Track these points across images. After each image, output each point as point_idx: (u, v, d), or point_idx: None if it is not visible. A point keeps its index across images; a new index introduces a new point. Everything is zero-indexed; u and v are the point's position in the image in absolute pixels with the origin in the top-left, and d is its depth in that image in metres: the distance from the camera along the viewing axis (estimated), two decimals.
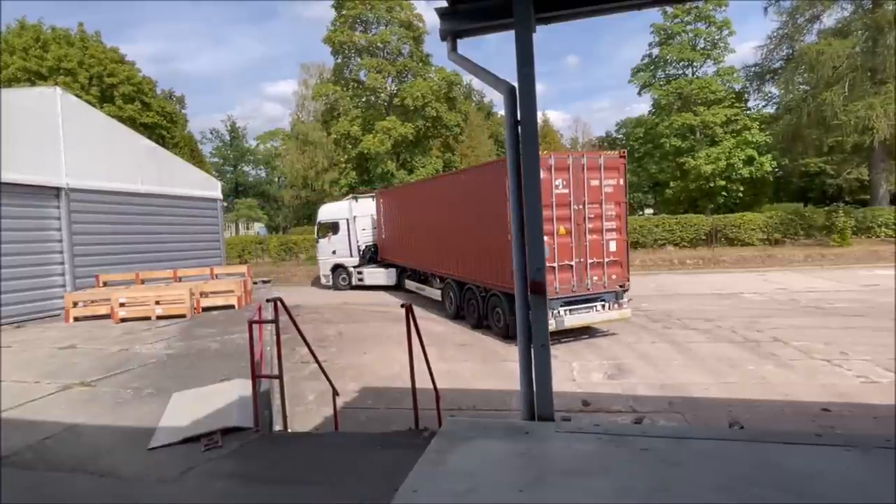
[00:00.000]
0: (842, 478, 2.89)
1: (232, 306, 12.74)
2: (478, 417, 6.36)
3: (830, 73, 25.31)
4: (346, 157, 33.54)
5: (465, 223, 11.76)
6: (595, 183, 10.05)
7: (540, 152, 8.06)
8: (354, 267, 19.61)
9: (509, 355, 9.33)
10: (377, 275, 18.91)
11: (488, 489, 2.95)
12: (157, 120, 32.99)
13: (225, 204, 22.36)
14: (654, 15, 34.33)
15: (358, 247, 19.63)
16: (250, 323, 5.09)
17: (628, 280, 10.55)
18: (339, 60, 33.83)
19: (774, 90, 32.29)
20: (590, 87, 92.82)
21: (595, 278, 10.11)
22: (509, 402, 7.06)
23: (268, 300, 5.34)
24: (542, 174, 8.60)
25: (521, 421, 4.07)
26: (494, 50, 65.54)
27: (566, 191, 9.80)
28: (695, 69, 33.60)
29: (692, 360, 8.91)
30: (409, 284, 16.94)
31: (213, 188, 18.69)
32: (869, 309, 12.37)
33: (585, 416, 6.61)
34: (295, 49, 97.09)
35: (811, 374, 7.97)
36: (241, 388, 5.84)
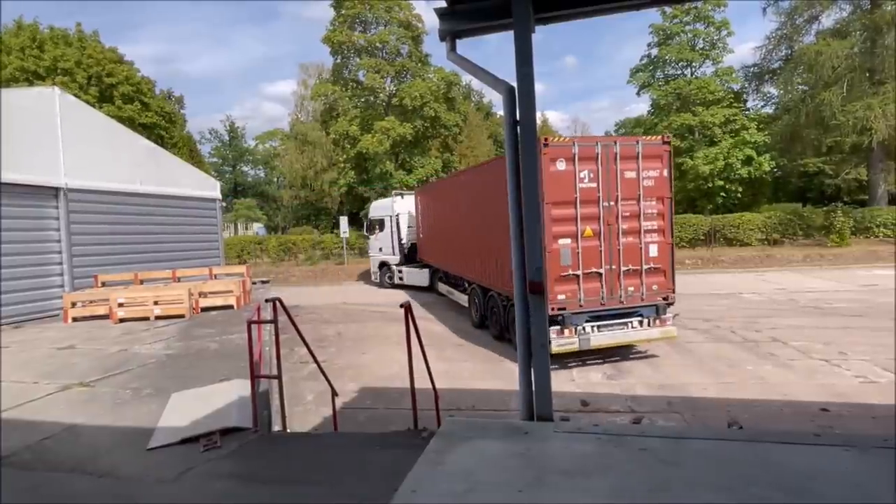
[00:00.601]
0: (841, 477, 2.90)
1: (231, 306, 12.73)
2: (477, 417, 6.36)
3: (829, 74, 25.34)
4: (344, 157, 33.52)
5: (489, 222, 10.09)
6: (631, 175, 8.39)
7: (562, 138, 7.98)
8: (396, 265, 19.29)
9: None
10: (414, 274, 18.44)
11: (487, 489, 2.95)
12: (156, 120, 32.98)
13: (224, 204, 22.36)
14: (653, 15, 34.36)
15: (402, 245, 19.14)
16: (249, 323, 5.09)
17: (673, 291, 8.69)
18: (338, 60, 33.83)
19: (773, 90, 32.39)
20: (589, 87, 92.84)
21: (630, 289, 8.49)
22: (508, 401, 7.06)
23: (266, 300, 5.34)
24: (563, 165, 8.06)
25: (519, 421, 4.07)
26: (494, 50, 65.49)
27: (594, 185, 8.25)
28: (694, 69, 33.64)
29: (691, 359, 8.92)
30: (441, 287, 16.17)
31: (211, 188, 18.67)
32: (868, 309, 12.39)
33: (584, 416, 6.62)
34: (295, 49, 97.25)
35: (810, 374, 7.98)
36: (239, 388, 5.84)
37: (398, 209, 19.18)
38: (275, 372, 5.32)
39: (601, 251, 8.37)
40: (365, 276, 22.85)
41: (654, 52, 34.29)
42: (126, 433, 5.07)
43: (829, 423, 6.11)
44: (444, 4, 4.17)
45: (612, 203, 8.37)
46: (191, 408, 5.41)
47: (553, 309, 7.99)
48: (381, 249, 19.90)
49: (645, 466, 3.12)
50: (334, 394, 6.20)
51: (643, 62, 35.25)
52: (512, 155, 4.03)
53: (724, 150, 30.24)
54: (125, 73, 31.54)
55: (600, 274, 8.39)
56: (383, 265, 19.92)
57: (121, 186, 14.68)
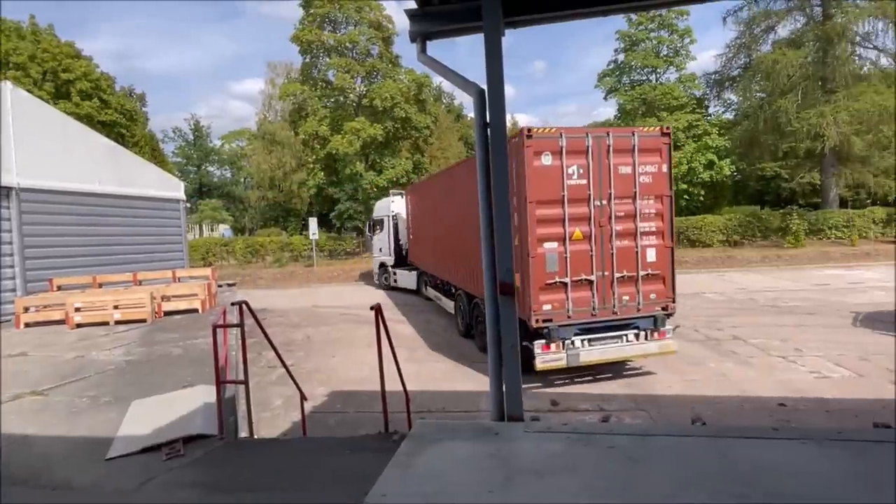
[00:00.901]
0: (797, 470, 3.01)
1: (196, 310, 12.39)
2: (447, 419, 6.36)
3: (785, 82, 26.41)
4: (314, 157, 33.07)
5: (475, 223, 8.48)
6: (626, 171, 7.55)
7: (547, 129, 7.21)
8: (392, 266, 19.11)
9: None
10: (405, 277, 18.15)
11: (458, 491, 2.95)
12: (116, 118, 31.83)
13: (188, 205, 21.73)
14: (619, 22, 35.14)
15: (398, 245, 18.88)
16: (214, 327, 4.95)
17: (673, 301, 7.78)
18: (307, 60, 33.36)
19: (733, 97, 33.51)
20: (557, 91, 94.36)
21: (625, 298, 7.59)
22: (479, 402, 7.09)
23: (233, 304, 5.21)
24: (548, 159, 7.20)
25: (490, 422, 4.08)
26: (466, 52, 66.00)
27: (584, 181, 7.39)
28: (658, 75, 34.55)
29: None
30: (429, 292, 15.45)
31: (175, 189, 18.14)
32: (820, 307, 12.96)
33: (554, 415, 6.69)
34: (263, 47, 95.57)
35: (768, 370, 8.29)
36: (204, 394, 5.68)
37: (395, 209, 18.87)
38: (241, 377, 5.19)
39: (592, 256, 7.46)
40: (366, 277, 23.22)
41: (621, 57, 35.09)
42: (82, 443, 4.86)
43: (786, 417, 6.35)
44: (414, 6, 4.17)
45: (604, 202, 7.50)
46: (152, 415, 5.23)
47: (537, 321, 7.19)
48: (380, 250, 19.87)
49: (613, 464, 3.17)
50: (303, 398, 6.09)
51: (610, 67, 36.01)
52: (482, 156, 4.05)
53: (688, 155, 31.16)
54: (83, 69, 30.33)
55: (591, 281, 7.46)
56: (382, 266, 19.88)
57: (78, 186, 14.10)
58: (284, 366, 6.02)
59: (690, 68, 34.24)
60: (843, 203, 30.83)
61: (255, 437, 5.66)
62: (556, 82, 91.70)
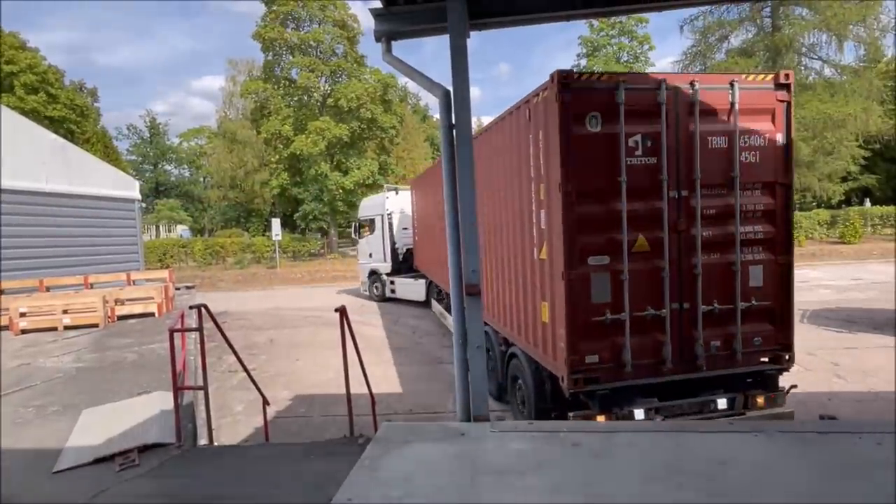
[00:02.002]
0: (750, 461, 3.14)
1: (152, 314, 11.94)
2: (414, 421, 6.34)
3: None
4: (277, 157, 32.44)
5: (512, 216, 6.00)
6: (721, 143, 4.80)
7: (595, 74, 4.59)
8: (388, 274, 16.20)
9: None
10: (408, 286, 15.24)
11: (424, 493, 2.94)
12: (66, 114, 30.43)
13: (143, 205, 20.92)
14: (583, 28, 35.99)
15: (395, 250, 15.96)
16: (171, 331, 4.79)
17: (790, 348, 4.99)
18: (269, 57, 32.71)
19: None
20: (522, 94, 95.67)
21: (716, 344, 4.86)
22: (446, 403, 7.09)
23: (191, 307, 5.04)
24: (597, 124, 4.54)
25: (456, 423, 4.09)
26: (433, 54, 66.15)
27: (653, 160, 4.64)
28: None
29: None
30: (435, 307, 13.14)
31: (129, 188, 17.43)
32: None
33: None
34: (226, 44, 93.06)
35: None
36: (161, 401, 5.48)
37: (390, 207, 15.94)
38: (200, 382, 5.03)
39: (665, 278, 4.71)
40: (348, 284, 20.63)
41: (583, 62, 35.92)
42: (29, 456, 4.60)
43: None
44: (379, 5, 4.14)
45: (685, 193, 4.76)
46: (105, 425, 5.00)
47: (577, 381, 4.53)
48: (370, 255, 16.79)
49: (578, 461, 3.22)
50: (265, 402, 5.95)
51: None
52: (448, 157, 4.07)
53: None
54: (28, 61, 28.83)
55: (662, 318, 4.73)
56: (373, 274, 16.83)
57: (22, 184, 13.35)
58: (245, 370, 5.87)
59: None
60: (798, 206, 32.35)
61: (215, 444, 5.50)
62: (522, 85, 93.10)
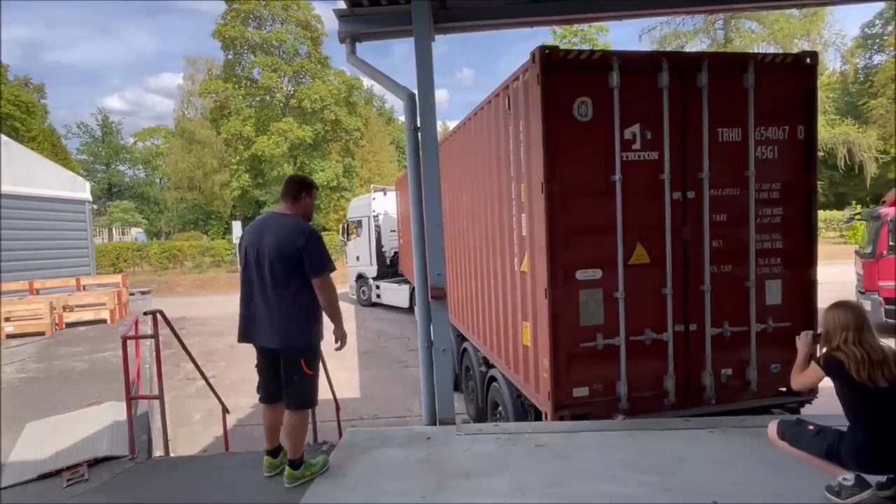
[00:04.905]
0: (707, 457, 3.25)
1: (104, 321, 11.43)
2: (380, 426, 6.28)
3: None
4: (238, 158, 31.65)
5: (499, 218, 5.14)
6: (733, 136, 4.07)
7: (585, 52, 3.92)
8: (374, 278, 15.64)
9: None
10: (393, 291, 14.70)
11: (390, 498, 2.91)
12: (10, 110, 28.77)
13: (95, 206, 20.01)
14: (547, 36, 36.67)
15: (382, 253, 15.43)
16: (124, 339, 4.58)
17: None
18: (230, 56, 31.94)
19: None
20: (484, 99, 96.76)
21: (727, 372, 4.15)
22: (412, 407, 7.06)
23: (145, 313, 4.85)
24: (587, 111, 3.82)
25: (422, 426, 4.08)
26: (404, 58, 66.05)
27: (654, 154, 3.94)
28: None
29: None
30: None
31: (79, 189, 16.63)
32: None
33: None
34: (192, 44, 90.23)
35: None
36: (113, 412, 5.24)
37: (377, 208, 15.46)
38: (156, 391, 4.84)
39: (667, 295, 3.98)
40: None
41: None
42: None
43: None
44: (344, 6, 4.10)
45: (691, 195, 4.02)
46: (51, 438, 4.74)
47: (563, 418, 3.89)
48: (357, 258, 16.33)
49: (541, 462, 3.26)
50: (225, 411, 5.77)
51: None
52: (413, 160, 4.07)
53: None
54: None
55: (664, 343, 4.01)
56: (360, 278, 16.38)
57: None
58: (204, 377, 5.67)
59: None
60: None
61: (172, 455, 5.30)
62: (487, 89, 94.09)
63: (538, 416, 4.26)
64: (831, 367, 2.56)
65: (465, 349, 6.63)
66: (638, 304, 3.92)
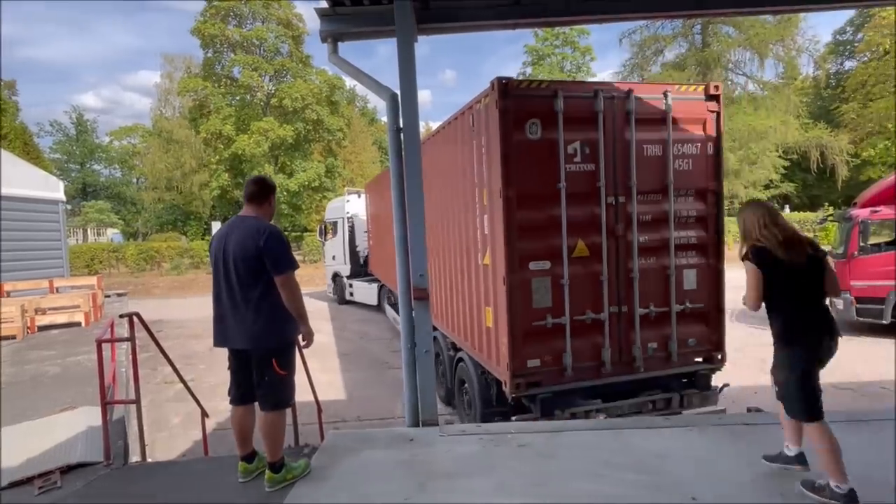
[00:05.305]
0: (686, 454, 3.30)
1: (78, 324, 11.14)
2: (363, 428, 6.24)
3: None
4: (217, 157, 31.16)
5: (453, 220, 6.15)
6: (655, 151, 4.95)
7: (535, 82, 4.64)
8: (348, 277, 16.43)
9: None
10: (363, 290, 15.38)
11: (373, 500, 2.89)
12: None
13: (69, 207, 19.51)
14: (529, 38, 36.96)
15: (356, 253, 16.19)
16: (99, 342, 4.47)
17: (721, 349, 5.17)
18: (209, 54, 31.44)
19: None
20: (468, 100, 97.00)
21: (653, 346, 4.99)
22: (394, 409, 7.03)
23: (121, 315, 4.74)
24: (537, 131, 4.60)
25: (405, 428, 4.07)
26: (388, 59, 65.74)
27: (591, 166, 4.75)
28: None
29: None
30: (388, 311, 12.81)
31: (53, 188, 16.18)
32: None
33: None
34: (172, 43, 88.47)
35: None
36: (87, 417, 5.10)
37: (351, 210, 16.28)
38: (132, 396, 4.73)
39: (604, 282, 4.79)
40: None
41: (529, 70, 36.85)
42: None
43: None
44: (325, 5, 4.07)
45: (622, 199, 4.85)
46: (22, 445, 4.60)
47: (518, 386, 4.57)
48: (333, 258, 17.28)
49: (525, 462, 3.27)
50: (204, 414, 5.68)
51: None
52: (396, 161, 4.05)
53: None
54: None
55: (602, 321, 4.80)
56: (336, 277, 17.27)
57: None
58: (182, 380, 5.57)
59: None
60: None
61: (149, 460, 5.19)
62: (473, 92, 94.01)
63: (499, 387, 4.97)
64: (758, 255, 2.73)
65: (434, 337, 7.08)
66: (580, 289, 4.76)
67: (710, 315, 5.17)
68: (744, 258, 2.79)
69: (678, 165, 5.01)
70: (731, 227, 28.19)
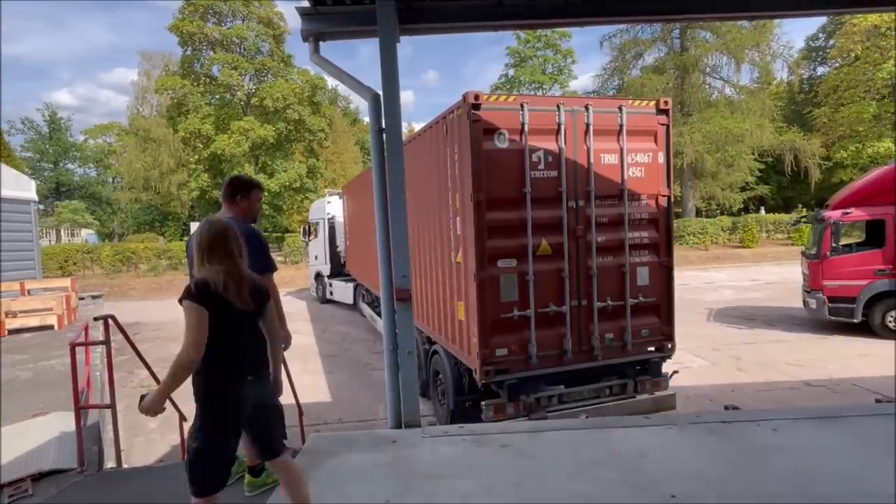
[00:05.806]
0: (665, 452, 3.34)
1: (51, 327, 10.85)
2: (344, 431, 6.19)
3: None
4: (196, 157, 30.66)
5: (425, 223, 6.70)
6: (611, 160, 5.43)
7: (503, 97, 5.11)
8: (328, 277, 16.86)
9: None
10: (341, 289, 15.84)
11: (355, 503, 2.87)
12: None
13: (41, 207, 19.01)
14: (512, 40, 37.14)
15: (336, 253, 16.57)
16: (72, 345, 4.36)
17: (671, 338, 5.69)
18: (187, 52, 30.93)
19: None
20: (452, 101, 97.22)
21: (609, 336, 5.45)
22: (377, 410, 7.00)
23: (96, 318, 4.63)
24: (504, 141, 5.02)
25: (388, 430, 4.05)
26: (371, 59, 65.38)
27: (554, 173, 5.19)
28: (545, 91, 36.92)
29: None
30: (364, 309, 13.22)
31: (24, 187, 15.76)
32: (680, 304, 14.54)
33: None
34: (151, 41, 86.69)
35: None
36: (60, 422, 4.97)
37: (331, 211, 16.71)
38: (107, 400, 4.62)
39: (565, 278, 5.22)
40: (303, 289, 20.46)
41: (511, 72, 37.06)
42: None
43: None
44: (307, 4, 4.03)
45: (581, 203, 5.31)
46: None
47: (487, 373, 4.98)
48: (315, 258, 17.78)
49: (506, 462, 3.29)
50: (182, 418, 5.57)
51: (501, 80, 37.89)
52: (378, 161, 4.03)
53: None
54: None
55: (563, 314, 5.23)
56: (318, 276, 17.83)
57: None
58: (159, 383, 5.47)
59: (573, 87, 37.11)
60: (699, 212, 35.01)
61: (125, 466, 5.07)
62: (456, 93, 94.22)
63: (471, 376, 5.38)
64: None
65: (434, 351, 7.42)
66: (544, 284, 5.16)
67: (661, 308, 5.66)
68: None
69: (632, 173, 5.51)
70: (709, 228, 28.73)
